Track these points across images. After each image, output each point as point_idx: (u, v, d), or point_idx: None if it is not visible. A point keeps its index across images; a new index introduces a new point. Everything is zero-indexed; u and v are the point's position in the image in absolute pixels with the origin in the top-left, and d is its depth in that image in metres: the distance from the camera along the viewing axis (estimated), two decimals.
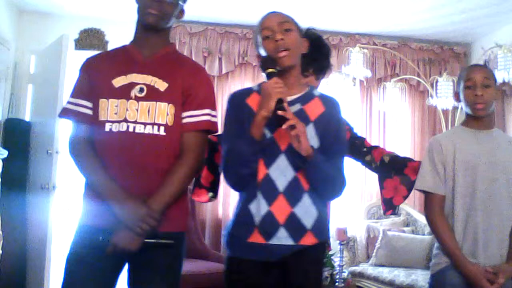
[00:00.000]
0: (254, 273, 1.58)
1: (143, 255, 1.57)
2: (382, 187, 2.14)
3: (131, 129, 1.59)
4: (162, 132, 1.60)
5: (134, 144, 1.58)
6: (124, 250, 1.52)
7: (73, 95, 1.68)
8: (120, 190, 1.55)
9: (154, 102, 1.61)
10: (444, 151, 1.93)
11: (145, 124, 1.59)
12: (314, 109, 1.62)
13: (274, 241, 1.55)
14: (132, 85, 1.62)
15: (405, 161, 2.09)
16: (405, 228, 4.30)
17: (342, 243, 3.94)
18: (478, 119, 1.95)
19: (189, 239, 3.98)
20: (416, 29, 4.60)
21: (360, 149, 2.15)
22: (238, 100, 1.67)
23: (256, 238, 1.56)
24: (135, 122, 1.59)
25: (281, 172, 1.56)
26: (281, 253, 1.55)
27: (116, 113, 1.60)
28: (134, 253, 1.54)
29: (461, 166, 1.90)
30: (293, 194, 1.56)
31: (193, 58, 4.47)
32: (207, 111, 1.66)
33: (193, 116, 1.65)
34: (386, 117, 4.78)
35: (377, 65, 4.76)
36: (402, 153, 2.34)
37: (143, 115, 1.60)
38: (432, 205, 1.93)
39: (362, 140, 2.20)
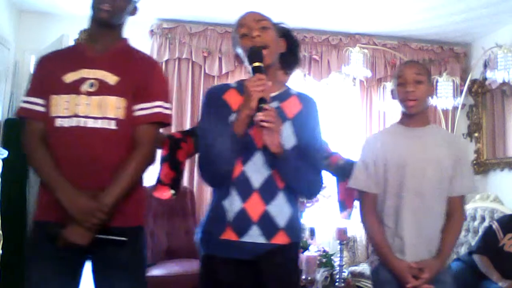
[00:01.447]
0: (227, 271, 1.55)
1: (103, 252, 1.57)
2: (338, 189, 2.13)
3: (82, 124, 1.59)
4: (113, 126, 1.61)
5: (85, 138, 1.58)
6: (74, 245, 1.51)
7: (27, 93, 1.70)
8: (70, 185, 1.54)
9: (105, 96, 1.61)
10: (374, 150, 1.94)
11: (96, 118, 1.59)
12: (292, 107, 1.62)
13: (246, 238, 1.53)
14: (82, 80, 1.63)
15: None
16: None
17: (342, 243, 3.94)
18: (411, 116, 1.95)
19: (189, 239, 3.98)
20: (416, 29, 4.59)
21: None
22: (215, 95, 1.66)
23: (229, 235, 1.54)
24: (86, 117, 1.59)
25: (257, 169, 1.54)
26: (253, 252, 1.53)
27: (66, 109, 1.60)
28: (92, 250, 1.54)
29: (391, 164, 1.90)
30: (267, 192, 1.55)
31: (193, 58, 4.49)
32: (159, 103, 1.66)
33: (144, 109, 1.65)
34: (386, 117, 4.77)
35: (377, 65, 4.75)
36: None
37: (94, 109, 1.60)
38: (364, 203, 1.95)
39: (325, 145, 2.16)
